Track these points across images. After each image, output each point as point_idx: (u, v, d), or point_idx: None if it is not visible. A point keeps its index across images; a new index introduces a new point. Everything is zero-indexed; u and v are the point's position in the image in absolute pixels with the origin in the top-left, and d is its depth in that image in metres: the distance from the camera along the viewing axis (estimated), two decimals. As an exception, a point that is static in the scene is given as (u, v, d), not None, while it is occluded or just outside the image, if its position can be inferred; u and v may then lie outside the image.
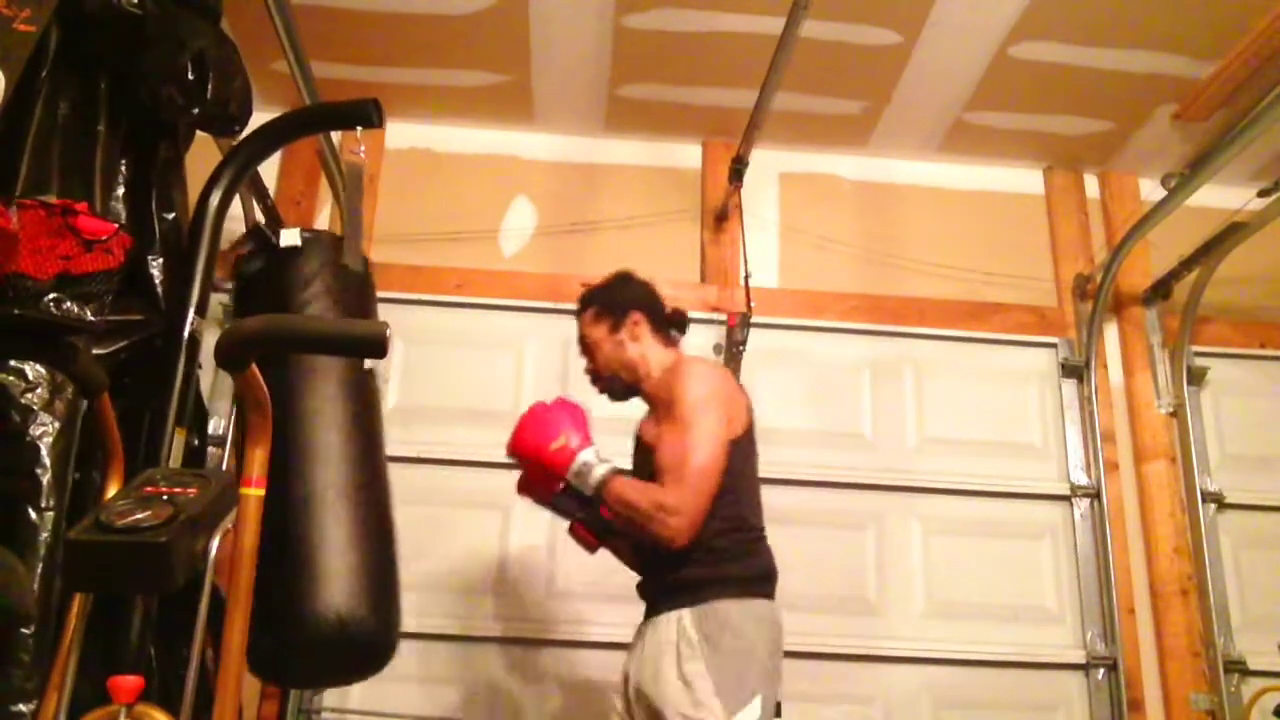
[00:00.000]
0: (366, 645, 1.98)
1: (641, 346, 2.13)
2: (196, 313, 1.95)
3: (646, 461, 1.98)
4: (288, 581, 1.86)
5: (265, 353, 1.32)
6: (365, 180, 3.38)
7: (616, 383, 2.14)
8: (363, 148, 2.40)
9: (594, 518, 1.98)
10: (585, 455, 1.91)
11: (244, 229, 3.13)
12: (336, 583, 1.90)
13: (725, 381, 2.06)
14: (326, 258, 2.24)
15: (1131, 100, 3.28)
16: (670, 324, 2.21)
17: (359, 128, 2.11)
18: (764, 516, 2.04)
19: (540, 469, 1.97)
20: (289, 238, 2.18)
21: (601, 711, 2.96)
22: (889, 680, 3.06)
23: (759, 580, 1.94)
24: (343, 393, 2.12)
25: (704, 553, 1.88)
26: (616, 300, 2.18)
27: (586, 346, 2.19)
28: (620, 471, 1.94)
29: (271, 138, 2.17)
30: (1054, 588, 3.18)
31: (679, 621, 1.85)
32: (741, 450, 1.98)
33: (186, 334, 1.93)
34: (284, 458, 1.72)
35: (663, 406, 1.99)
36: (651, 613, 1.96)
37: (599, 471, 1.91)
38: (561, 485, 1.96)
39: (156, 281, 1.99)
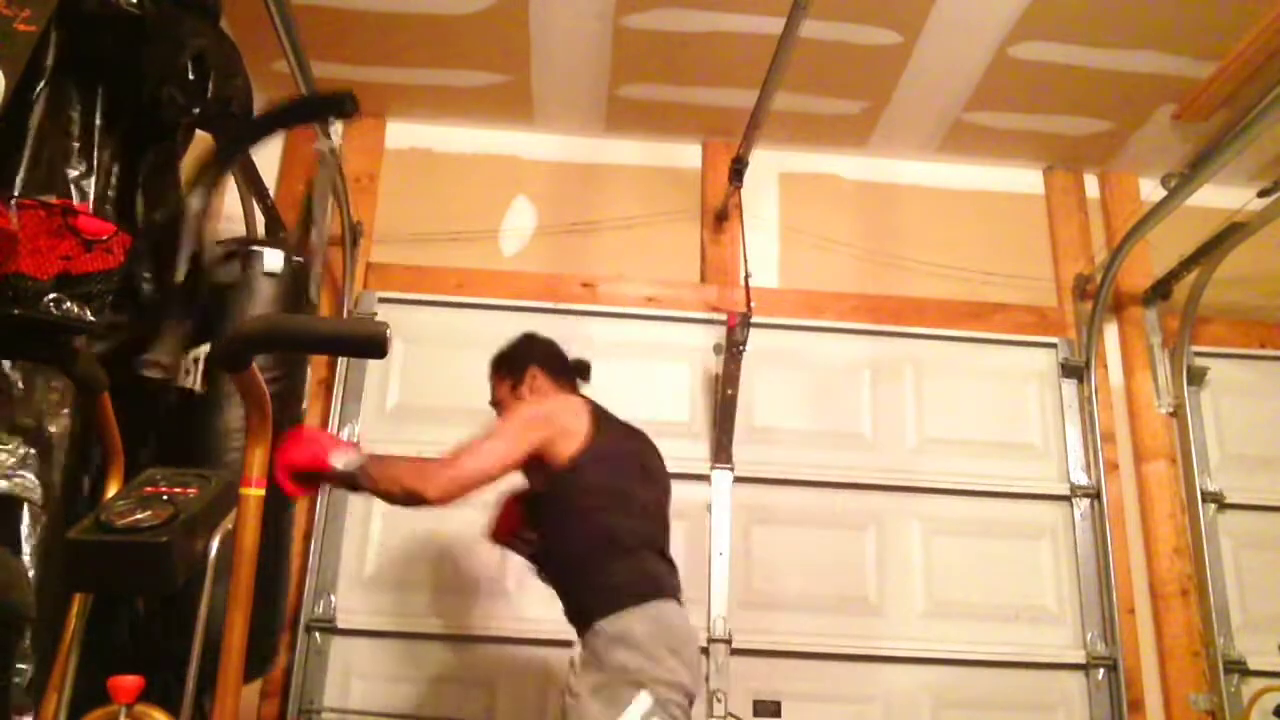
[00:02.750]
0: None
1: (539, 397, 2.24)
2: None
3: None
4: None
5: (265, 353, 1.32)
6: (367, 180, 3.41)
7: None
8: (339, 138, 2.42)
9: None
10: (336, 458, 1.91)
11: (244, 230, 3.14)
12: None
13: (558, 403, 2.17)
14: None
15: (1131, 100, 3.28)
16: (569, 373, 2.34)
17: (336, 119, 2.09)
18: (655, 529, 2.13)
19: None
20: (272, 262, 2.12)
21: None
22: (889, 680, 3.06)
23: (634, 585, 1.98)
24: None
25: (581, 574, 2.00)
26: (516, 360, 2.32)
27: (496, 405, 2.35)
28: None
29: (248, 135, 2.14)
30: (1054, 588, 3.18)
31: (573, 651, 1.96)
32: (602, 466, 2.06)
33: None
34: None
35: None
36: None
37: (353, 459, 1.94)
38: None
39: (142, 281, 1.99)
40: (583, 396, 2.27)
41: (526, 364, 2.30)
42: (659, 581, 2.03)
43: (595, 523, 2.03)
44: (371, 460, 1.93)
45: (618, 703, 1.82)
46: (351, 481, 1.92)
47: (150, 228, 2.00)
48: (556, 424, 2.08)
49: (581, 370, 2.39)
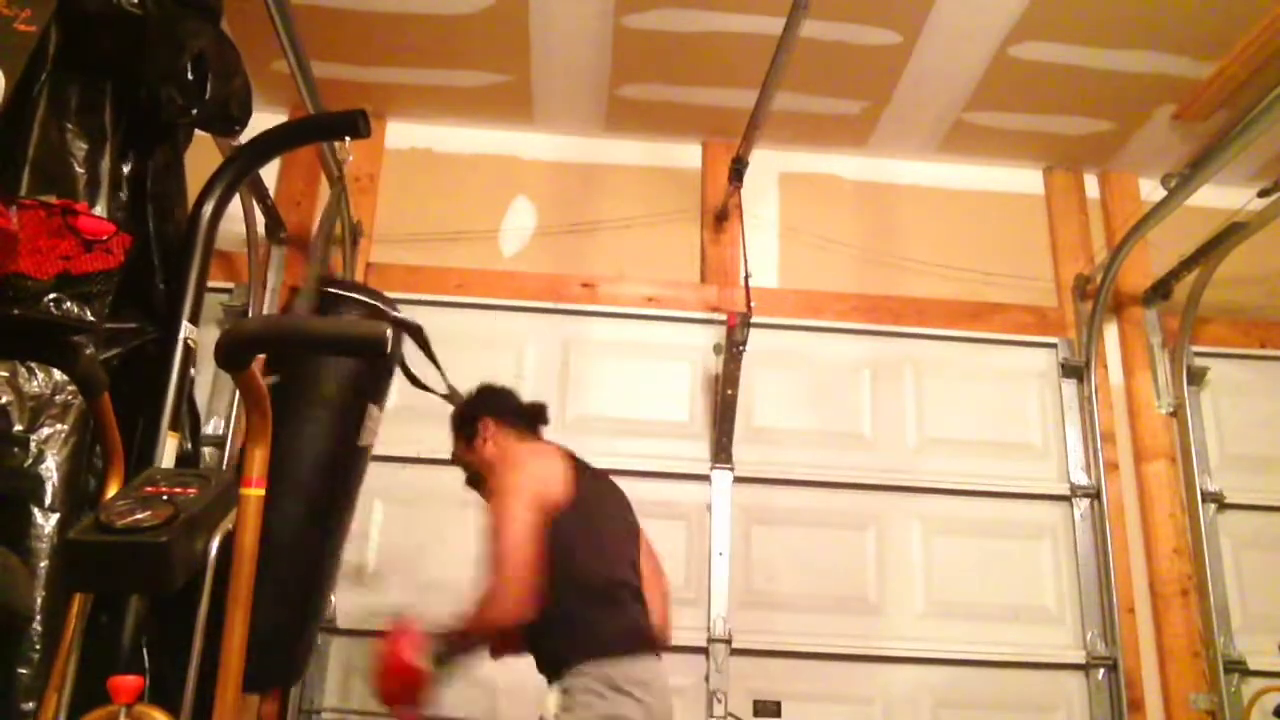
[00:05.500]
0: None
1: (495, 445, 2.22)
2: (190, 320, 1.94)
3: None
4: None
5: (266, 352, 1.32)
6: (367, 180, 3.42)
7: (482, 483, 2.24)
8: (350, 157, 2.43)
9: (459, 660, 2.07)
10: (434, 653, 1.98)
11: (244, 229, 3.14)
12: None
13: (538, 461, 2.14)
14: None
15: (1131, 100, 3.28)
16: (524, 417, 2.30)
17: (347, 138, 2.11)
18: (627, 571, 2.11)
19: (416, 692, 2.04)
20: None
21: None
22: (889, 680, 3.06)
23: (619, 639, 1.98)
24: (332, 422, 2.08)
25: (554, 624, 1.96)
26: (467, 415, 2.30)
27: (457, 462, 2.31)
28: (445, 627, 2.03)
29: (263, 150, 2.18)
30: (1054, 588, 3.18)
31: (550, 697, 1.95)
32: (575, 517, 2.04)
33: (181, 341, 1.92)
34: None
35: None
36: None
37: (439, 645, 1.99)
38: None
39: (153, 287, 1.98)
40: (551, 443, 2.26)
41: (477, 416, 2.27)
42: (645, 636, 2.04)
43: (580, 570, 2.01)
44: (452, 638, 1.98)
45: None
46: (452, 665, 2.00)
47: (162, 233, 2.00)
48: (539, 476, 2.08)
49: (537, 413, 2.34)
